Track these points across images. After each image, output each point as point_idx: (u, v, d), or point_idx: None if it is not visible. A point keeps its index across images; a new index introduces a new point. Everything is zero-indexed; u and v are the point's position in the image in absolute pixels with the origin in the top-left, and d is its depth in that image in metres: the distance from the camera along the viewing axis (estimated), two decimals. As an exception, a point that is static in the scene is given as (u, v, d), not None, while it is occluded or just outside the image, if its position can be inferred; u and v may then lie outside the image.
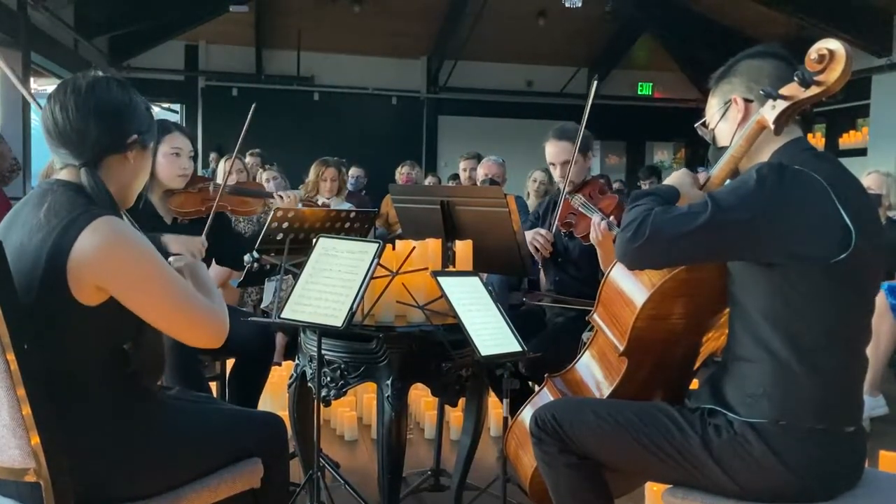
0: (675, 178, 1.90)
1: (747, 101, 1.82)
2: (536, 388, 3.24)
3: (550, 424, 1.83)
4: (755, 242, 1.64)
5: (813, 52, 1.68)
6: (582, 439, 1.81)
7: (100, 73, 1.76)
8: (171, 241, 2.73)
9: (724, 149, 1.86)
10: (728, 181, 1.83)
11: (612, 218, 2.85)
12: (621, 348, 1.91)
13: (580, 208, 3.10)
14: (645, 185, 8.22)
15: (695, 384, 2.17)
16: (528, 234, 3.15)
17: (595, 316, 2.03)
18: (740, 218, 1.62)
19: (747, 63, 1.85)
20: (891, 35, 9.84)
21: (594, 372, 2.06)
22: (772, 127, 1.71)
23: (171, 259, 1.84)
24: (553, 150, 3.27)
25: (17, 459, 1.51)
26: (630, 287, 1.91)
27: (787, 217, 1.62)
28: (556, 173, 3.32)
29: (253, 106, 2.85)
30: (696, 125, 1.98)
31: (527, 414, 2.10)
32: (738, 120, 1.83)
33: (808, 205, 1.63)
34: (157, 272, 1.63)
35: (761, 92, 1.72)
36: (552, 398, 2.10)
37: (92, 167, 1.67)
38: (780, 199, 1.62)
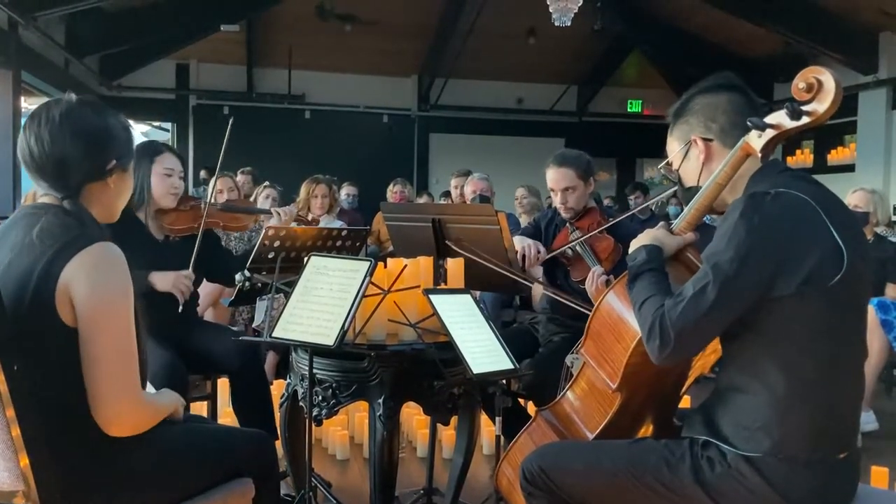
0: (649, 236, 1.84)
1: (707, 140, 1.80)
2: (528, 405, 3.26)
3: (539, 477, 1.81)
4: (769, 279, 1.58)
5: (800, 81, 1.64)
6: (571, 489, 1.79)
7: (73, 98, 1.71)
8: (158, 279, 2.76)
9: (692, 188, 1.83)
10: (709, 217, 1.81)
11: (609, 276, 2.81)
12: (614, 386, 1.86)
13: (580, 251, 3.08)
14: (631, 199, 8.24)
15: (686, 401, 2.16)
16: (525, 241, 3.12)
17: (583, 350, 1.97)
18: (744, 266, 1.57)
19: (701, 100, 1.83)
20: (877, 53, 9.95)
21: (586, 405, 2.01)
22: (759, 155, 1.70)
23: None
24: (555, 176, 3.22)
25: (7, 481, 1.50)
26: (621, 324, 1.85)
27: (783, 241, 1.58)
28: (556, 199, 3.26)
29: (231, 121, 2.88)
30: (659, 167, 1.96)
31: (517, 449, 2.07)
32: (702, 160, 1.81)
33: (799, 224, 1.60)
34: (119, 323, 1.59)
35: (748, 123, 1.69)
36: (542, 433, 2.07)
37: (74, 198, 1.64)
38: (771, 227, 1.58)
